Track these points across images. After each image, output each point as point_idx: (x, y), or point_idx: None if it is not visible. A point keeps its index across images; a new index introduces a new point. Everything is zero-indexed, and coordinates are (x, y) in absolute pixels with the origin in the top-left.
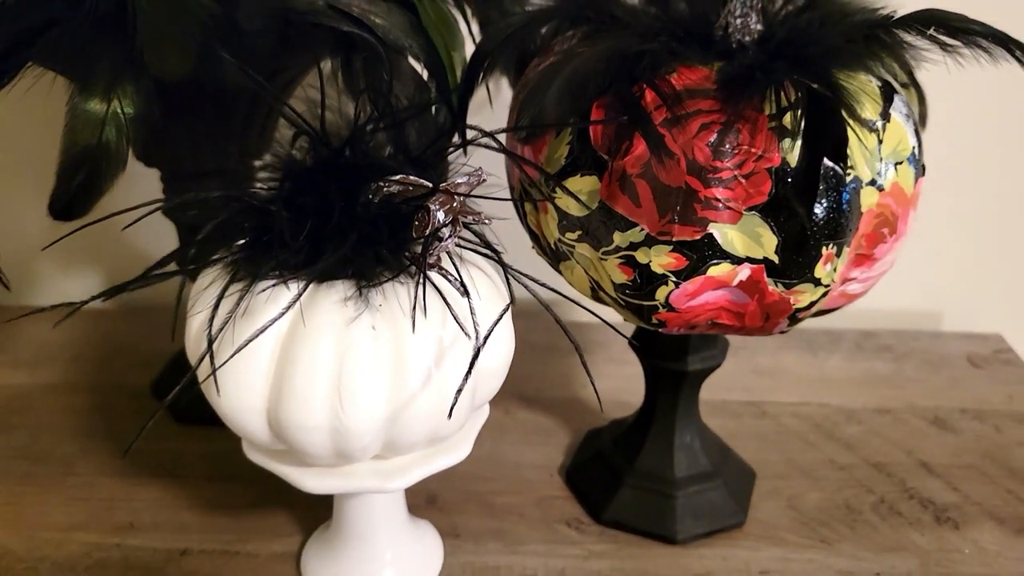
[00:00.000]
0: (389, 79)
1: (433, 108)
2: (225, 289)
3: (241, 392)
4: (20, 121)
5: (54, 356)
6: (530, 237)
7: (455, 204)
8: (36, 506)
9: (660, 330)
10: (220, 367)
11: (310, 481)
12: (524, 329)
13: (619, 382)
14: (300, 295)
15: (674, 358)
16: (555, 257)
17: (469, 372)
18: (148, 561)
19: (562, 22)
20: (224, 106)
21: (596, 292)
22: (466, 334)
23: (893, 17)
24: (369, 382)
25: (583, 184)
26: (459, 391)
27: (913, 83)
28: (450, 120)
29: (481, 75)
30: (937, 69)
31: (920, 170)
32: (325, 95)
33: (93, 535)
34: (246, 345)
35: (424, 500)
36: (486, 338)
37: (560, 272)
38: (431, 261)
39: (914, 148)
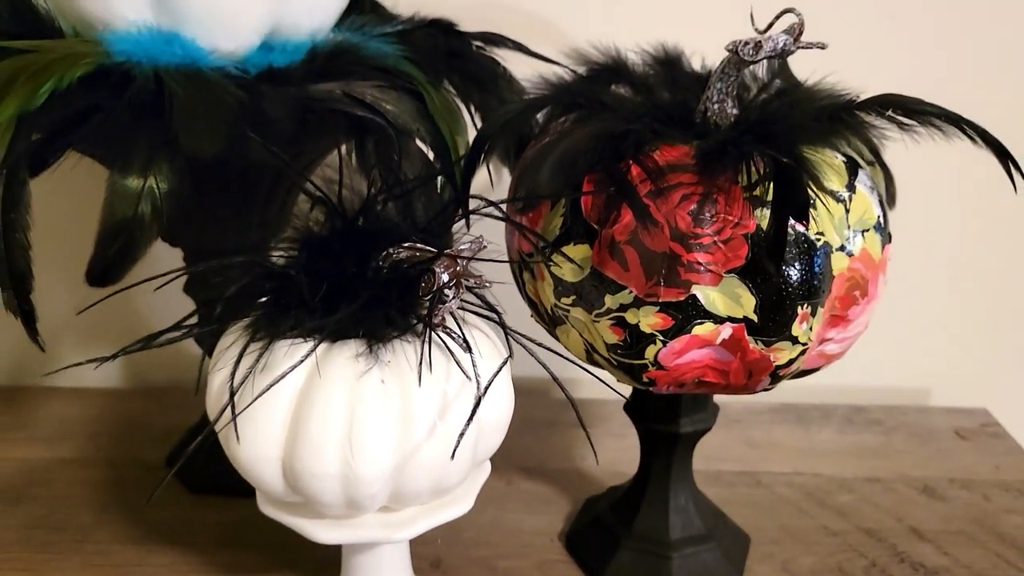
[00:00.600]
0: (399, 158)
1: (439, 185)
2: (246, 347)
3: (259, 441)
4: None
5: (73, 432)
6: (528, 305)
7: (458, 268)
8: (53, 572)
9: (651, 389)
10: (241, 413)
11: (321, 532)
12: (526, 406)
13: (617, 454)
14: (316, 347)
15: (667, 421)
16: (552, 322)
17: (471, 417)
18: None
19: (556, 109)
20: (247, 184)
21: (590, 354)
22: (467, 376)
23: (855, 101)
24: (378, 432)
25: (576, 252)
26: (461, 435)
27: (880, 163)
28: (453, 194)
29: (482, 156)
30: (918, 150)
31: (886, 238)
32: (342, 173)
33: None
34: (267, 391)
35: (429, 564)
36: (487, 388)
37: (556, 337)
38: (436, 320)
39: (879, 217)
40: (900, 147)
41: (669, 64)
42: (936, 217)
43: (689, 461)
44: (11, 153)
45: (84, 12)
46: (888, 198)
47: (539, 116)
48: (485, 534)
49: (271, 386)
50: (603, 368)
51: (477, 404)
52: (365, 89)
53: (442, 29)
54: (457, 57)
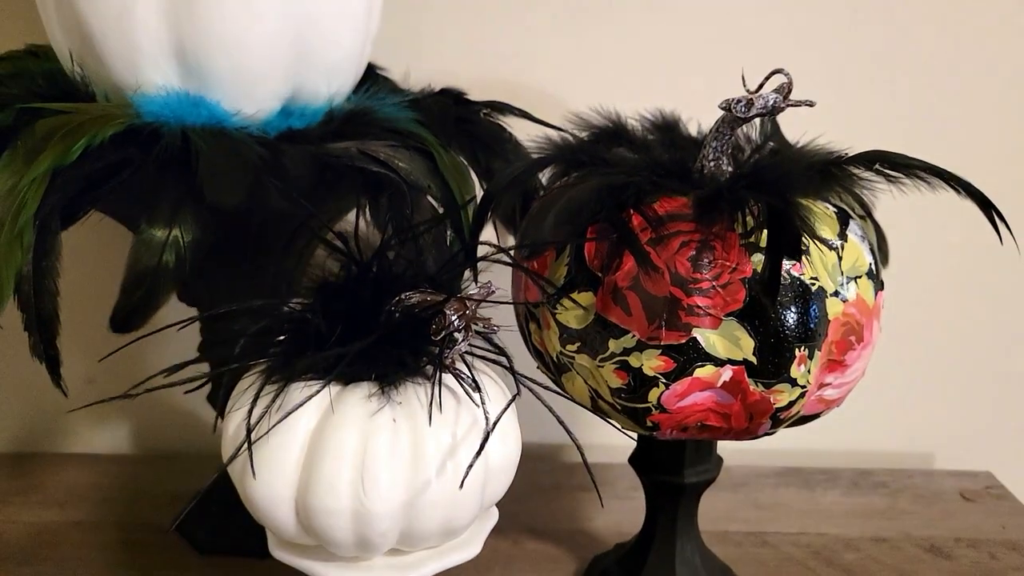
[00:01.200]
0: (411, 211)
1: (448, 239)
2: (261, 388)
3: (274, 481)
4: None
5: (84, 497)
6: (534, 356)
7: (468, 311)
8: None
9: (655, 434)
10: (257, 441)
11: (332, 573)
12: (531, 471)
13: (622, 515)
14: (328, 381)
15: (672, 472)
16: (557, 370)
17: (481, 448)
18: None
19: (559, 167)
20: (266, 237)
21: (595, 401)
22: (476, 405)
23: (845, 156)
24: (389, 469)
25: (580, 299)
26: (470, 466)
27: (871, 219)
28: (461, 246)
29: (489, 213)
30: (913, 214)
31: (879, 285)
32: (357, 225)
33: None
34: (284, 419)
35: None
36: (495, 423)
37: (562, 386)
38: (446, 362)
39: (871, 265)
40: (900, 212)
41: (667, 128)
42: (933, 280)
43: (694, 514)
44: (44, 205)
45: (116, 78)
46: (881, 256)
47: (544, 177)
48: None
49: (289, 414)
50: (608, 415)
51: (486, 438)
52: (379, 148)
53: (452, 98)
54: (465, 122)
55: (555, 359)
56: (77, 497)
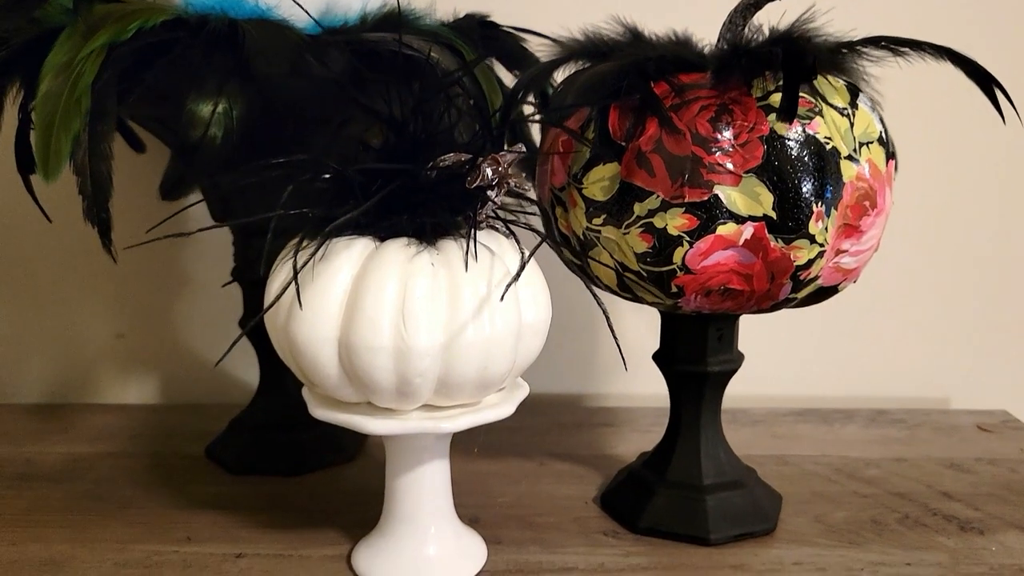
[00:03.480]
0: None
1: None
2: (303, 239)
3: (318, 320)
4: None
5: (114, 435)
6: (560, 244)
7: (501, 167)
8: (97, 528)
9: (679, 303)
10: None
11: (371, 424)
12: (553, 413)
13: (644, 445)
14: (367, 227)
15: (695, 362)
16: (583, 249)
17: (518, 274)
18: (205, 562)
19: (582, 61)
20: (304, 128)
21: (621, 277)
22: (514, 244)
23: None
24: (428, 309)
25: (606, 171)
26: (511, 282)
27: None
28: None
29: (517, 105)
30: (933, 155)
31: (890, 153)
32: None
33: (152, 545)
34: (327, 260)
35: (467, 520)
36: (531, 255)
37: (587, 268)
38: (480, 217)
39: (881, 132)
40: (911, 153)
41: (681, 42)
42: (946, 227)
43: (718, 409)
44: (101, 75)
45: None
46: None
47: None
48: (521, 499)
49: (347, 219)
50: (634, 290)
51: (522, 266)
52: (411, 39)
53: (477, 20)
54: (490, 39)
55: (582, 237)
56: (108, 436)
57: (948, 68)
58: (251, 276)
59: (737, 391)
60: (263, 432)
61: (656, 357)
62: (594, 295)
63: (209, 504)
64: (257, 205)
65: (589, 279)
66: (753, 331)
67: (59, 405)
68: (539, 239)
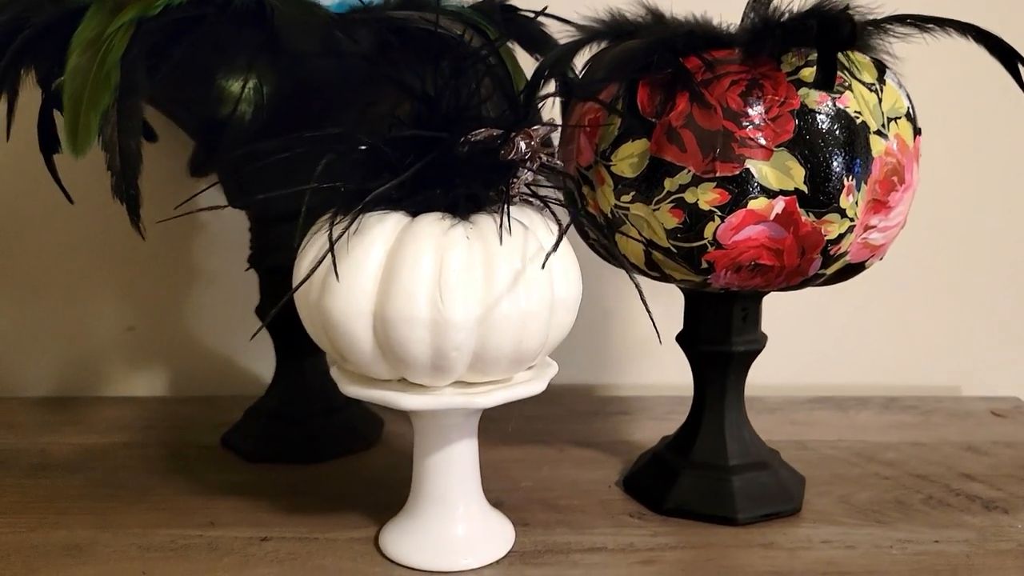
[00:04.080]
0: (471, 72)
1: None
2: (336, 214)
3: (353, 294)
4: (105, 238)
5: (127, 426)
6: (588, 224)
7: (534, 142)
8: (118, 514)
9: (709, 280)
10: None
11: (405, 400)
12: (570, 402)
13: (661, 433)
14: (400, 179)
15: (720, 342)
16: (611, 227)
17: (557, 243)
18: (231, 546)
19: (602, 41)
20: (331, 108)
21: (649, 255)
22: (551, 216)
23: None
24: (464, 280)
25: (635, 148)
26: (553, 247)
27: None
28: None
29: (541, 85)
30: (941, 143)
31: (917, 129)
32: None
33: (176, 529)
34: (361, 232)
35: (491, 504)
36: (567, 227)
37: (615, 247)
38: (512, 192)
39: (909, 108)
40: (928, 142)
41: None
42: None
43: (742, 389)
44: (130, 49)
45: None
46: None
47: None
48: (543, 484)
49: (383, 190)
50: (663, 268)
51: (562, 233)
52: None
53: (497, 4)
54: (510, 22)
55: (609, 215)
56: (120, 427)
57: (949, 52)
58: (269, 263)
59: (750, 379)
60: (280, 421)
61: (680, 338)
62: (626, 269)
63: (229, 491)
64: (279, 188)
65: (615, 259)
66: (764, 320)
67: (69, 398)
68: (570, 214)
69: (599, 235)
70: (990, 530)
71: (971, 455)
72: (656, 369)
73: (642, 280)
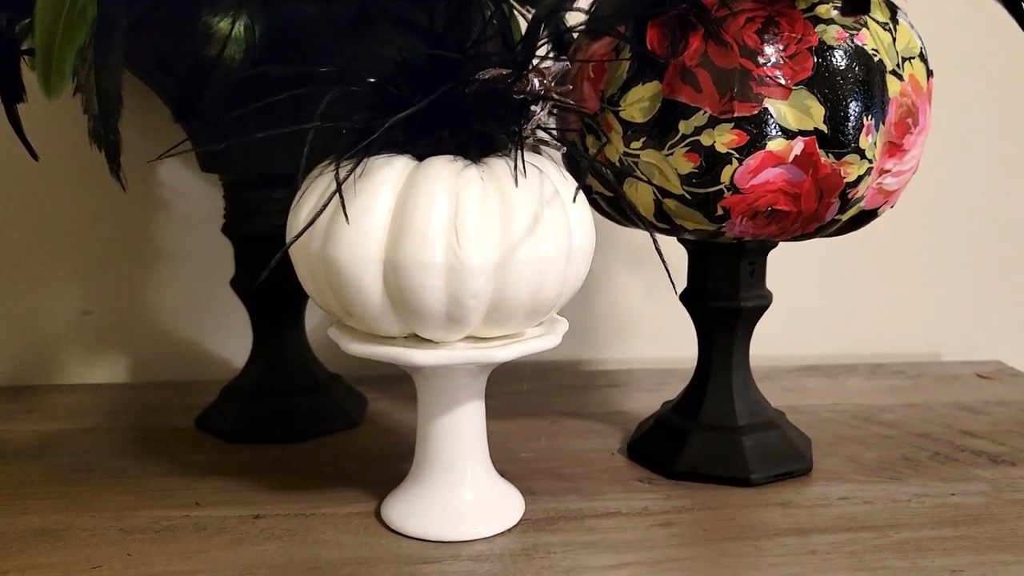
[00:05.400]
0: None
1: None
2: (340, 155)
3: (361, 240)
4: (57, 214)
5: (89, 412)
6: (594, 174)
7: (546, 80)
8: (92, 498)
9: (722, 227)
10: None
11: (416, 355)
12: (559, 377)
13: (654, 403)
14: (409, 112)
15: (727, 298)
16: (619, 176)
17: (581, 185)
18: (222, 525)
19: None
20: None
21: (660, 204)
22: (571, 152)
23: None
24: (481, 224)
25: (646, 91)
26: (580, 187)
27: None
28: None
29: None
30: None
31: (929, 71)
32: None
33: (158, 511)
34: (368, 176)
35: None
36: (590, 163)
37: (622, 198)
38: (526, 133)
39: (921, 48)
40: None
41: None
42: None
43: (748, 347)
44: None
45: None
46: None
47: None
48: (544, 454)
49: (393, 122)
50: (674, 218)
51: (585, 175)
52: None
53: None
54: None
55: (618, 162)
56: (81, 413)
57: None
58: (244, 230)
59: None
60: (260, 399)
61: (684, 296)
62: (639, 217)
63: (211, 471)
64: (259, 152)
65: (619, 213)
66: None
67: (21, 387)
68: (584, 157)
69: (606, 185)
70: (1003, 482)
71: (967, 414)
72: (638, 345)
73: (631, 256)
